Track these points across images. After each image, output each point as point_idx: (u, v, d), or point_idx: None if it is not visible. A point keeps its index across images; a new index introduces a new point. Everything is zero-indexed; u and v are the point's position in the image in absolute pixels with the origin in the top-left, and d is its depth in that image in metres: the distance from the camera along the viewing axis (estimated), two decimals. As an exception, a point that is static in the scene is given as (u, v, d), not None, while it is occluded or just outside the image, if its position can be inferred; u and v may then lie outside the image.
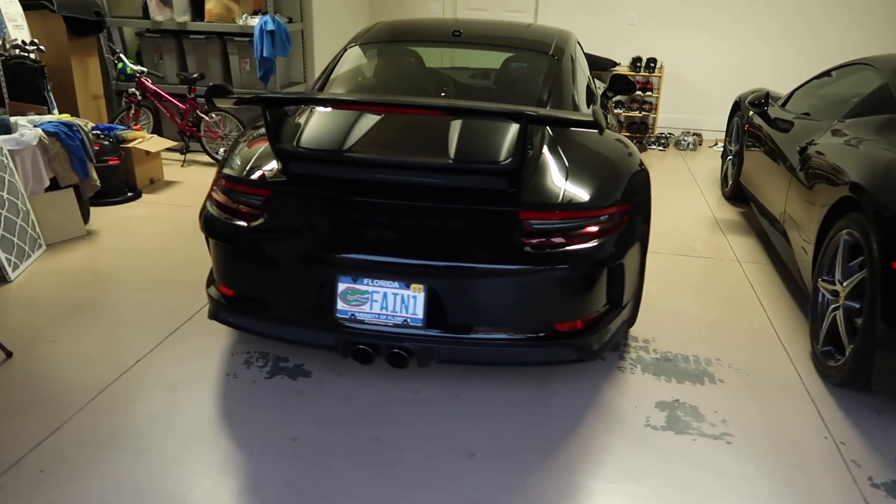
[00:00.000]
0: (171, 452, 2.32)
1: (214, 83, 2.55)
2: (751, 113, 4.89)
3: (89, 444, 2.34)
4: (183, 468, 2.25)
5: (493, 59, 3.72)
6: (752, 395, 2.78)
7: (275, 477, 2.23)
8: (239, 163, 2.64)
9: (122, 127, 5.26)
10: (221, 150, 5.91)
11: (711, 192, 5.72)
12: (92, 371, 2.78)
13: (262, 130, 2.87)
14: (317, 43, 6.77)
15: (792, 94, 4.65)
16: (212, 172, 5.73)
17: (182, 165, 5.92)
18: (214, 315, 2.72)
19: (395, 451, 2.37)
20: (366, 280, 2.39)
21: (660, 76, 7.44)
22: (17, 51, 4.82)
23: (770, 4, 7.21)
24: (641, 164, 2.82)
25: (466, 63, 4.13)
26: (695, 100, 7.67)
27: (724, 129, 5.87)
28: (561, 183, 2.47)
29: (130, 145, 5.03)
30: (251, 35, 5.89)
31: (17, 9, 4.95)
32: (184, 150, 5.97)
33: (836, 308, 2.84)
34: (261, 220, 2.48)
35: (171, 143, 5.43)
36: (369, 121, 2.65)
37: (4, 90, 4.73)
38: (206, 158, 6.03)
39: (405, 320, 2.39)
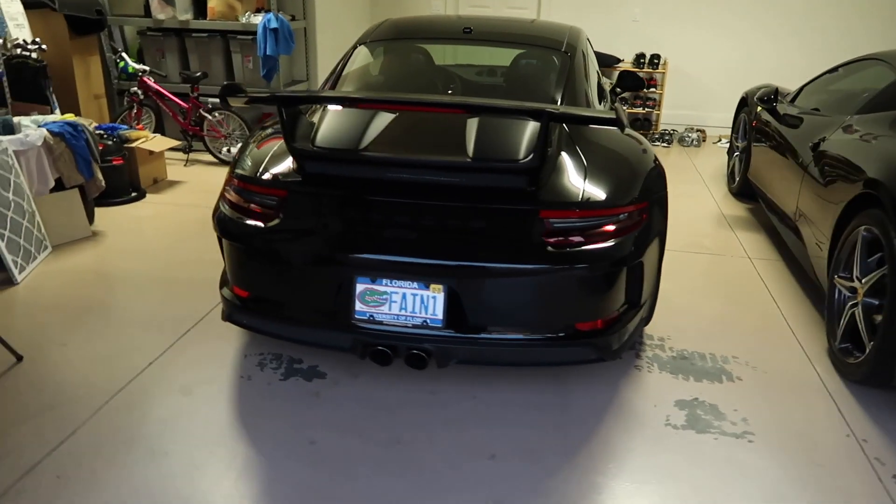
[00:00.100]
0: (188, 456, 2.29)
1: (228, 82, 2.52)
2: (759, 109, 4.86)
3: (106, 449, 2.31)
4: (201, 472, 2.22)
5: (503, 56, 3.69)
6: (770, 392, 2.76)
7: (295, 481, 2.20)
8: (251, 163, 2.60)
9: (125, 126, 5.22)
10: (224, 149, 5.88)
11: (718, 188, 5.70)
12: (104, 374, 2.74)
13: (271, 130, 2.84)
14: (320, 40, 6.74)
15: (801, 89, 4.63)
16: (215, 172, 5.71)
17: (185, 165, 5.88)
18: (228, 317, 2.69)
19: (416, 454, 2.34)
20: (385, 281, 2.37)
21: (663, 72, 7.42)
22: (19, 50, 4.76)
23: (774, 0, 7.19)
24: (656, 160, 2.80)
25: (477, 60, 4.10)
26: (698, 96, 7.65)
27: (730, 125, 5.85)
28: (580, 181, 2.44)
29: (134, 145, 4.99)
30: (254, 33, 5.85)
31: (18, 7, 4.89)
32: (187, 150, 5.93)
33: (855, 305, 2.82)
34: (276, 221, 2.45)
35: (174, 143, 5.39)
36: (385, 119, 2.61)
37: (7, 90, 4.68)
38: (209, 158, 5.99)
39: (425, 321, 2.36)
